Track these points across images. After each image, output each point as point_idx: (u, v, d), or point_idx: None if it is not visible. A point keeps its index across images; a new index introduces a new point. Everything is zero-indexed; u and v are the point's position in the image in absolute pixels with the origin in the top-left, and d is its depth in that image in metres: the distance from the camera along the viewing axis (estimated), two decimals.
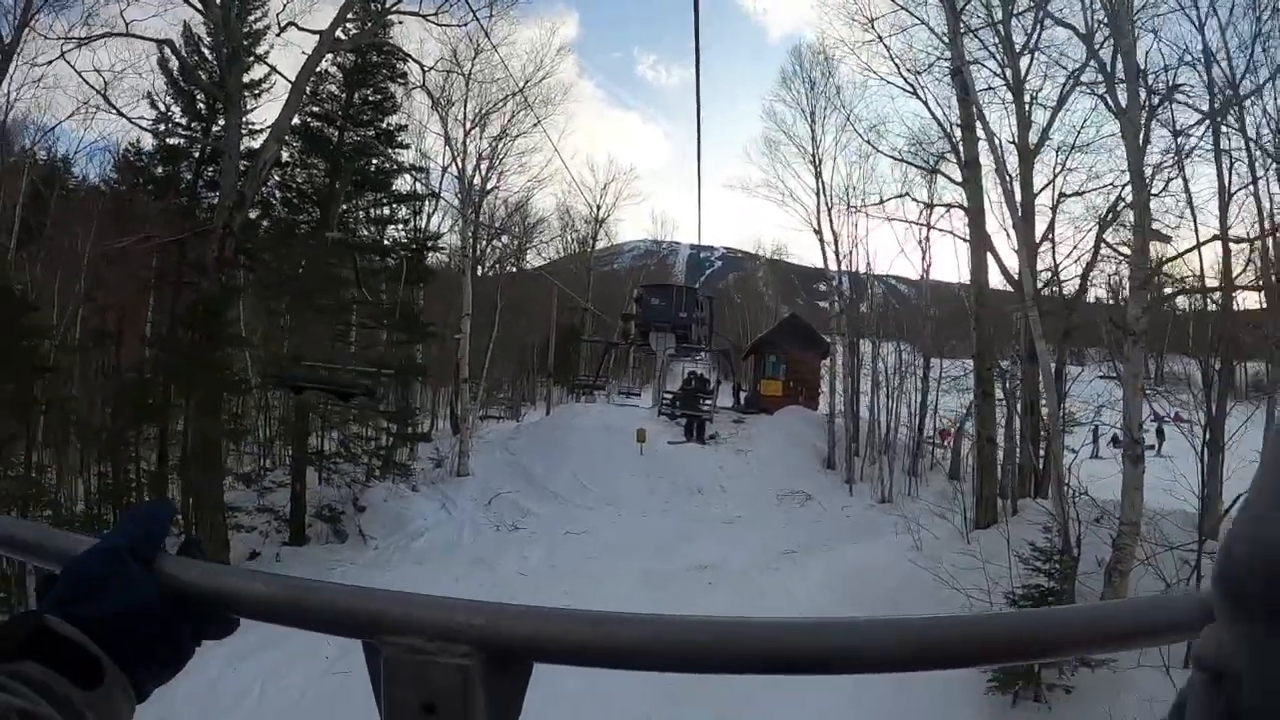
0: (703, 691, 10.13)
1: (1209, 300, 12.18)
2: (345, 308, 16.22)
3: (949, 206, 15.46)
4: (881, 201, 20.16)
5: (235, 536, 15.45)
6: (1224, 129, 12.67)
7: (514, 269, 38.29)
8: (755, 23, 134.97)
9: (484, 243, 31.45)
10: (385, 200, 17.64)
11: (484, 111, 22.72)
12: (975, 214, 13.36)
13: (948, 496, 18.34)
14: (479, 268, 32.42)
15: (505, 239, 33.81)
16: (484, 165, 25.53)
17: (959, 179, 17.11)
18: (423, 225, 21.90)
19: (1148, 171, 10.42)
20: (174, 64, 17.60)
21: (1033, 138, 14.56)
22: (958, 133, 15.55)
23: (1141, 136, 10.12)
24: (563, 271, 38.18)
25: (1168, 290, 12.34)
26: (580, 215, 38.31)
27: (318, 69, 17.03)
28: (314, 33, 16.38)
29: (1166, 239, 10.58)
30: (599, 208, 37.69)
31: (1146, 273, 9.82)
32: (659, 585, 12.73)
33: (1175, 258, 10.35)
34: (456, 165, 21.94)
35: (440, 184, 23.55)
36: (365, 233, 17.79)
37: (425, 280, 18.74)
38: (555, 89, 24.89)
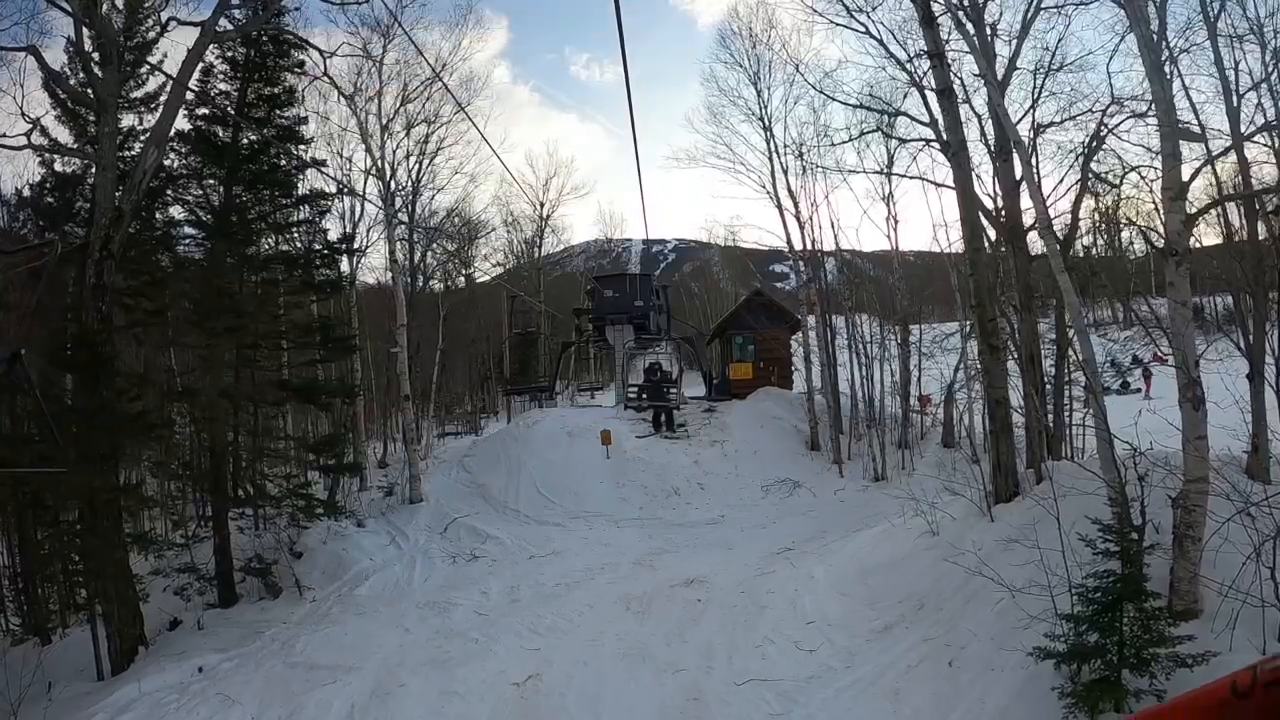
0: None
1: (1259, 206, 10.57)
2: (243, 329, 14.06)
3: (926, 141, 13.78)
4: (850, 139, 18.39)
5: (155, 601, 13.37)
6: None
7: (462, 276, 36.55)
8: (683, 12, 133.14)
9: (421, 249, 29.62)
10: (288, 203, 15.48)
11: (401, 102, 20.84)
12: (957, 146, 11.66)
13: (946, 467, 16.77)
14: (419, 277, 30.49)
15: (448, 245, 31.99)
16: (410, 161, 23.71)
17: (926, 119, 15.60)
18: (343, 231, 19.91)
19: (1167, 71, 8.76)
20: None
21: (1000, 71, 12.98)
22: (922, 66, 13.97)
23: (1156, 22, 8.48)
24: (516, 280, 36.72)
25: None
26: (525, 215, 36.72)
27: (202, 62, 14.96)
28: (197, 24, 14.37)
29: (1199, 136, 8.93)
30: (543, 204, 36.06)
31: (1181, 181, 8.13)
32: (641, 612, 10.89)
33: (1213, 159, 8.68)
34: (374, 161, 19.98)
35: (364, 186, 21.60)
36: (268, 243, 15.59)
37: (339, 289, 16.59)
38: (478, 73, 23.25)
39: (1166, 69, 8.78)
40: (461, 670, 9.54)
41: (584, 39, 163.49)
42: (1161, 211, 8.42)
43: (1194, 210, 8.03)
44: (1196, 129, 9.43)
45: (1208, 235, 16.15)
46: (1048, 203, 14.23)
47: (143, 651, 11.84)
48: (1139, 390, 25.10)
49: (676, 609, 10.87)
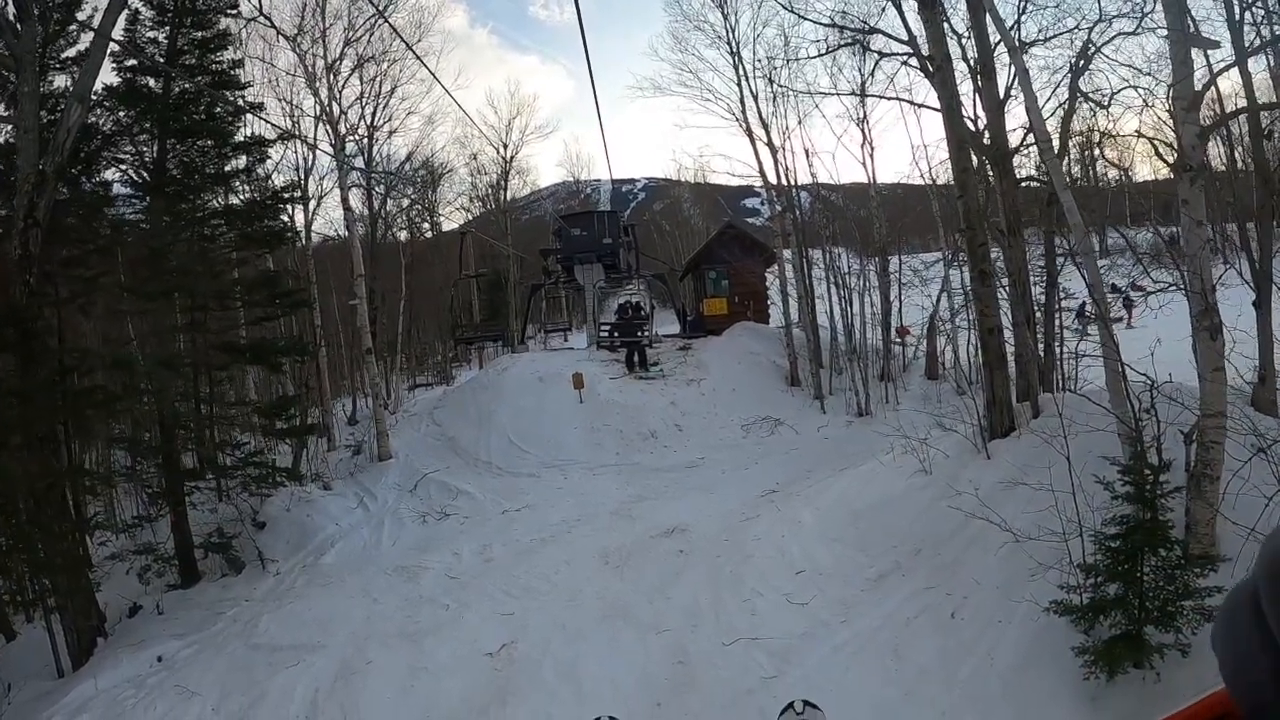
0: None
1: (1264, 130, 9.86)
2: (182, 291, 13.01)
3: (904, 60, 12.83)
4: (823, 53, 17.34)
5: (116, 586, 12.63)
6: None
7: (427, 224, 35.36)
8: None
9: (381, 196, 28.47)
10: (226, 152, 14.27)
11: (345, 43, 19.55)
12: (941, 60, 10.79)
13: (932, 400, 16.29)
14: (380, 226, 29.33)
15: (408, 192, 30.81)
16: (362, 104, 22.50)
17: (904, 37, 14.66)
18: (290, 180, 18.72)
19: None
20: None
21: None
22: None
23: None
24: (484, 225, 35.63)
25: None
26: (489, 158, 35.44)
27: (127, 9, 13.66)
28: None
29: (1215, 44, 8.13)
30: (506, 146, 34.76)
31: (1195, 90, 7.37)
32: (620, 567, 10.33)
33: (1224, 70, 7.90)
34: (321, 105, 18.74)
35: (315, 133, 20.37)
36: (211, 199, 14.43)
37: (282, 240, 15.46)
38: (428, 7, 22.02)
39: None
40: (431, 641, 8.96)
41: None
42: (1174, 124, 7.71)
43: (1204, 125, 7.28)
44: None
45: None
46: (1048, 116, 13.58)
47: (101, 643, 11.09)
48: (1121, 319, 24.66)
49: (657, 562, 10.32)
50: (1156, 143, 7.90)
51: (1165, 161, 8.02)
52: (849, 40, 16.01)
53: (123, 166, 14.42)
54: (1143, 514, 6.13)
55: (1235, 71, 9.61)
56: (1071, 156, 16.57)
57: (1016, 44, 9.69)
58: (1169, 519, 6.33)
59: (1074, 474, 6.94)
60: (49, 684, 10.28)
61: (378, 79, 22.43)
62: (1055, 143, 13.18)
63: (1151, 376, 7.13)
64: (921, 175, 19.55)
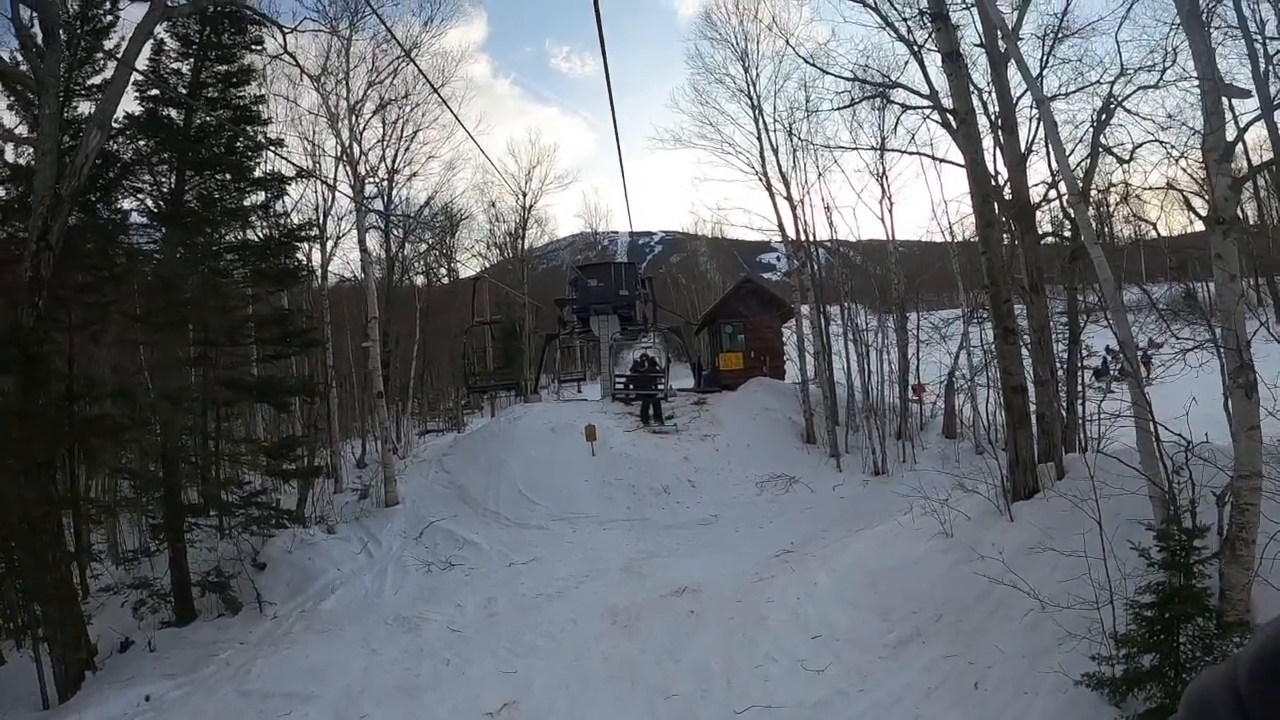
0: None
1: None
2: (192, 324, 12.94)
3: (926, 114, 12.76)
4: (847, 104, 17.34)
5: (109, 619, 12.32)
6: None
7: (444, 269, 35.58)
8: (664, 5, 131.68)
9: (399, 240, 28.69)
10: (244, 187, 14.33)
11: (369, 85, 19.85)
12: (964, 114, 10.72)
13: (950, 459, 15.94)
14: (398, 270, 29.50)
15: (426, 237, 31.07)
16: (383, 147, 22.75)
17: (925, 91, 14.70)
18: (305, 220, 18.80)
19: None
20: None
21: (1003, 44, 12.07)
22: (921, 35, 13.11)
23: None
24: (501, 274, 35.92)
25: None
26: (508, 206, 35.85)
27: (151, 39, 13.88)
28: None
29: (1245, 93, 7.99)
30: (525, 194, 35.14)
31: (1226, 140, 7.22)
32: (628, 626, 9.95)
33: (1252, 123, 7.76)
34: (342, 145, 18.94)
35: (335, 174, 20.58)
36: (225, 233, 14.44)
37: (295, 279, 15.44)
38: (452, 53, 22.46)
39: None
40: (431, 698, 8.59)
41: (564, 30, 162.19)
42: (1208, 176, 7.54)
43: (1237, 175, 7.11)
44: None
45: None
46: (1055, 179, 13.48)
47: (90, 676, 10.78)
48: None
49: (667, 622, 9.94)
50: (1188, 194, 7.70)
51: (1198, 214, 7.84)
52: (871, 94, 16.07)
53: (140, 196, 14.48)
54: (1177, 580, 5.81)
55: (1261, 125, 9.51)
56: (1091, 213, 16.43)
57: (1044, 95, 9.58)
58: (1206, 585, 6.00)
59: (1105, 538, 6.62)
60: (34, 715, 10.00)
61: (399, 122, 22.73)
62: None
63: (1186, 436, 6.83)
64: (942, 231, 19.46)
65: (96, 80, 15.52)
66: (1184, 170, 12.42)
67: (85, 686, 10.51)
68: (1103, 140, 13.13)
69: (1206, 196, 7.82)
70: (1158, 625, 5.79)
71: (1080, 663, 6.22)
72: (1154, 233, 14.03)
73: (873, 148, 19.88)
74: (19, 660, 11.50)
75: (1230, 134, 7.75)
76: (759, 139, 20.70)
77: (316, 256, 22.21)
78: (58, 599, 10.89)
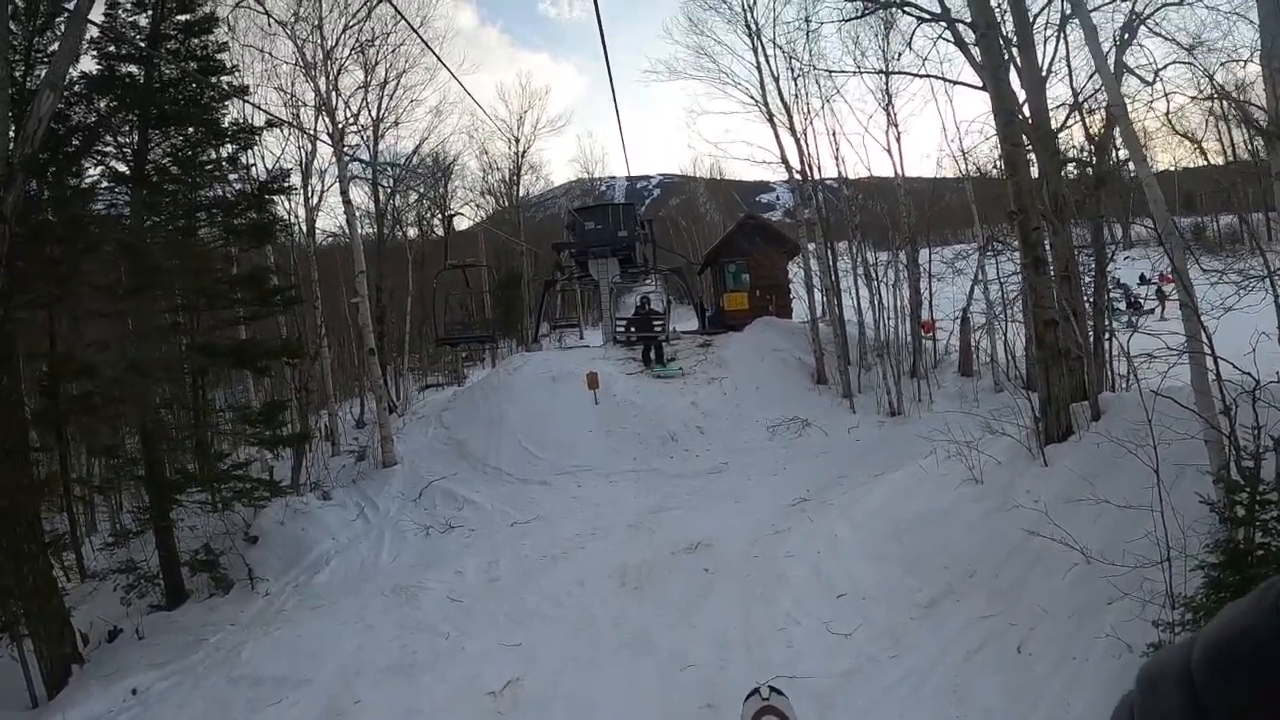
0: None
1: None
2: (159, 288, 12.11)
3: (945, 23, 11.67)
4: (856, 16, 16.22)
5: (99, 607, 11.76)
6: None
7: (438, 221, 34.62)
8: None
9: (387, 191, 27.76)
10: (212, 140, 13.38)
11: (344, 28, 18.73)
12: (985, 25, 9.77)
13: (968, 398, 15.28)
14: (388, 223, 28.59)
15: (416, 186, 30.07)
16: (365, 93, 21.75)
17: (936, 9, 13.60)
18: (278, 169, 17.89)
19: None
20: None
21: None
22: None
23: None
24: (500, 224, 34.93)
25: None
26: (501, 153, 34.78)
27: None
28: None
29: None
30: (518, 140, 33.98)
31: None
32: (639, 588, 9.37)
33: None
34: (319, 93, 17.94)
35: (315, 124, 19.61)
36: (194, 191, 13.52)
37: (268, 234, 14.54)
38: None
39: None
40: (428, 677, 8.03)
41: None
42: (1268, 86, 6.65)
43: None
44: None
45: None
46: (1078, 98, 12.53)
47: (77, 670, 10.18)
48: (1152, 311, 23.43)
49: (680, 582, 9.36)
50: (1244, 101, 6.83)
51: (1257, 127, 6.96)
52: (875, 6, 14.95)
53: (106, 160, 13.55)
54: (1253, 537, 5.14)
55: None
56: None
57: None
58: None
59: (1163, 487, 5.94)
60: (21, 715, 9.49)
61: (378, 65, 21.62)
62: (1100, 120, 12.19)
63: (1254, 374, 6.06)
64: (954, 157, 18.46)
65: (56, 47, 14.52)
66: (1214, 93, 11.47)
67: (72, 681, 9.95)
68: (1126, 60, 12.14)
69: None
70: (1230, 588, 5.13)
71: (1134, 626, 5.59)
72: (1158, 166, 13.15)
73: (879, 71, 18.80)
74: (2, 660, 10.94)
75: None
76: (758, 68, 19.61)
77: (301, 212, 21.37)
78: (36, 593, 10.27)
